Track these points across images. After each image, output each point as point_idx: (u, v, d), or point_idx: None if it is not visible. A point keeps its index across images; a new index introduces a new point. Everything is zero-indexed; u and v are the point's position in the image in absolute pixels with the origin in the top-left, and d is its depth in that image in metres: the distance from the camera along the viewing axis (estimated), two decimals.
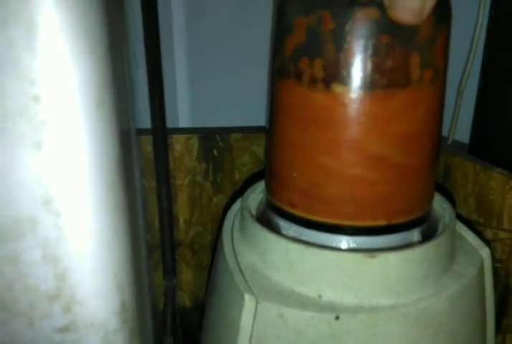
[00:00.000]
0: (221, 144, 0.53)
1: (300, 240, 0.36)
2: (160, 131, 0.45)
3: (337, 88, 0.32)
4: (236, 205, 0.44)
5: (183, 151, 0.52)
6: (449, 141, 0.52)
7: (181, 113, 0.55)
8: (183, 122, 0.56)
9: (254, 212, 0.41)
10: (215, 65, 0.53)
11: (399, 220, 0.36)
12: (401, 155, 0.33)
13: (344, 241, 0.35)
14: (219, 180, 0.54)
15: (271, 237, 0.36)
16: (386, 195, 0.34)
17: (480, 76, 0.50)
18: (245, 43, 0.52)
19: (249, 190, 0.43)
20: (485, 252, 0.39)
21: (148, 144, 0.45)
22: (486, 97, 0.49)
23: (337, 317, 0.33)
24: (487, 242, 0.43)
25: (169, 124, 0.47)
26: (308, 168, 0.34)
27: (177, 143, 0.52)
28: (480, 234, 0.45)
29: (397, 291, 0.34)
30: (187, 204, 0.54)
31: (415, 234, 0.37)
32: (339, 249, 0.35)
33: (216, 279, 0.40)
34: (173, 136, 0.51)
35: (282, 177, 0.36)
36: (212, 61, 0.53)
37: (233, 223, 0.42)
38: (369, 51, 0.31)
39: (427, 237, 0.38)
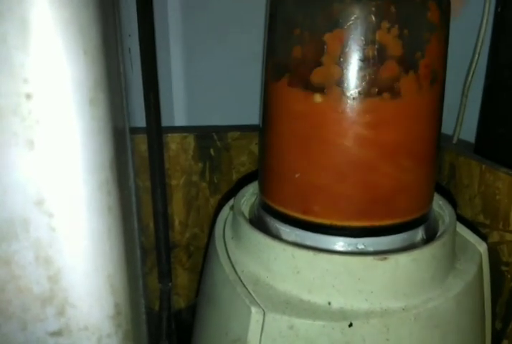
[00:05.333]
0: (218, 143, 0.53)
1: (305, 245, 0.36)
2: (155, 130, 0.45)
3: (332, 92, 0.33)
4: (225, 211, 0.44)
5: (178, 150, 0.52)
6: (455, 140, 0.53)
7: (177, 111, 0.56)
8: (179, 120, 0.56)
9: (247, 216, 0.41)
10: (212, 62, 0.54)
11: (403, 219, 0.36)
12: (402, 155, 0.34)
13: (352, 244, 0.36)
14: (215, 181, 0.54)
15: (275, 245, 0.36)
16: (391, 194, 0.35)
17: (486, 74, 0.50)
18: (243, 39, 0.52)
19: (239, 195, 0.42)
20: (482, 247, 0.40)
21: (142, 143, 0.46)
22: (492, 95, 0.49)
23: (350, 325, 0.33)
24: (484, 237, 0.43)
25: (164, 122, 0.47)
26: (311, 169, 0.35)
27: (172, 142, 0.52)
28: (485, 237, 0.46)
29: (407, 293, 0.35)
30: (183, 205, 0.54)
31: (419, 234, 0.38)
32: (348, 253, 0.35)
33: (214, 292, 0.40)
34: (169, 135, 0.51)
35: (283, 179, 0.37)
36: (209, 58, 0.53)
37: (224, 231, 0.41)
38: (363, 58, 0.32)
39: (428, 237, 0.38)
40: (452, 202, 0.43)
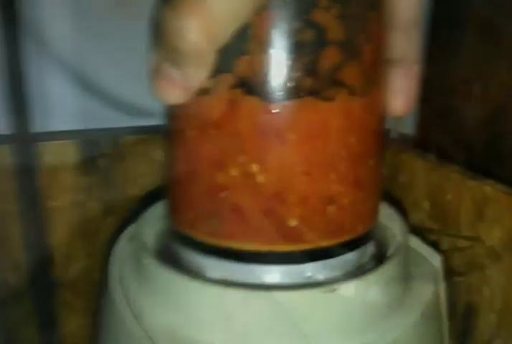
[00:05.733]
0: (108, 151, 0.49)
1: (235, 283, 0.32)
2: (24, 137, 0.45)
3: (260, 86, 0.29)
4: (123, 242, 0.39)
5: (56, 163, 0.48)
6: (394, 134, 0.52)
7: (53, 112, 0.51)
8: (56, 123, 0.51)
9: (155, 248, 0.37)
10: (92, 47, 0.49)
11: (350, 237, 0.34)
12: (345, 161, 0.32)
13: (297, 272, 0.33)
14: (108, 199, 0.51)
15: (194, 285, 0.31)
16: (334, 209, 0.32)
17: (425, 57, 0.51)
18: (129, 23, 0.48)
19: (141, 220, 0.38)
20: (436, 261, 0.39)
21: (6, 155, 0.45)
22: (431, 80, 0.48)
23: None
24: (434, 245, 0.43)
25: (36, 127, 0.46)
26: (233, 184, 0.31)
27: (47, 153, 0.48)
28: (434, 244, 0.44)
29: (362, 327, 0.32)
30: (66, 232, 0.50)
31: (367, 253, 0.36)
32: (291, 287, 0.32)
33: None
34: (42, 143, 0.47)
35: (199, 198, 0.33)
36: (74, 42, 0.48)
37: (122, 270, 0.37)
38: (298, 44, 0.29)
39: (380, 254, 0.37)
40: (400, 208, 0.42)
